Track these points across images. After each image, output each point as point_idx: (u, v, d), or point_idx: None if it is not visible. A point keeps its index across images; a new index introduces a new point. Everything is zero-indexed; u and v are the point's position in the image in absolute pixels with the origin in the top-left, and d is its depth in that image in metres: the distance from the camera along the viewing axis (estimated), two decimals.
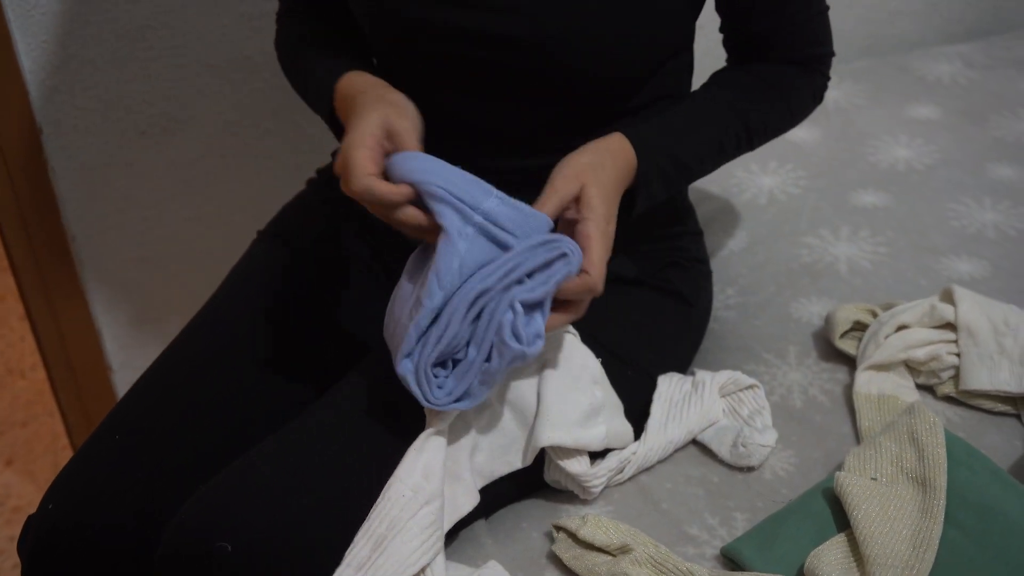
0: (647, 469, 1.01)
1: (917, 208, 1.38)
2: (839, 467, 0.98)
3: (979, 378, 1.05)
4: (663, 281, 1.08)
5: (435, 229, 0.84)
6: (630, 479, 0.99)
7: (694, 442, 1.03)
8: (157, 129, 1.43)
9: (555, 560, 0.91)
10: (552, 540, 0.93)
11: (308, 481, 0.85)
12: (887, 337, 1.08)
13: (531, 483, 0.98)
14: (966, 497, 0.88)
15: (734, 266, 1.30)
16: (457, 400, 0.84)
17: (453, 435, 0.89)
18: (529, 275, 0.83)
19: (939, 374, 1.08)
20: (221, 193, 1.52)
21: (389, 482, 0.86)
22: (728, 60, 1.08)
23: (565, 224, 0.89)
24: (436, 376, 0.84)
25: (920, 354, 1.07)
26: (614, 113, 1.00)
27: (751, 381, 1.06)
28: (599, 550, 0.90)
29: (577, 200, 0.88)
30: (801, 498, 0.93)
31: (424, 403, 0.84)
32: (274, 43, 1.13)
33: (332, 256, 1.11)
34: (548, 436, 0.91)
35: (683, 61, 1.05)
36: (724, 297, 1.25)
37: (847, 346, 1.12)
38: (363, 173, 0.84)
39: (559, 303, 0.86)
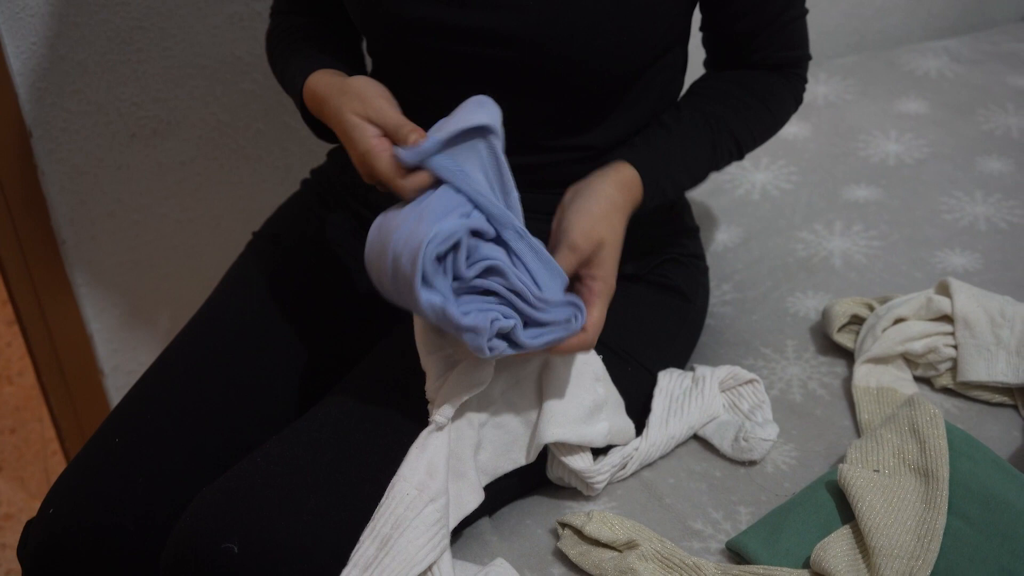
0: (649, 465, 1.01)
1: (909, 202, 1.39)
2: (841, 460, 0.98)
3: (976, 370, 1.06)
4: (661, 277, 1.08)
5: None
6: (633, 475, 1.00)
7: (695, 437, 1.04)
8: (147, 131, 1.42)
9: (561, 556, 0.91)
10: (557, 536, 0.93)
11: (313, 481, 0.85)
12: (885, 330, 1.09)
13: (534, 480, 0.98)
14: (969, 487, 0.89)
15: (730, 262, 1.31)
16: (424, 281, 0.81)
17: (457, 433, 0.89)
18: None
19: (937, 366, 1.09)
20: (212, 195, 1.51)
21: (393, 481, 0.86)
22: (706, 60, 1.09)
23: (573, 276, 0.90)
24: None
25: (918, 347, 1.08)
26: (609, 109, 1.01)
27: (751, 376, 1.06)
28: (605, 546, 0.90)
29: (590, 257, 0.88)
30: (804, 491, 0.93)
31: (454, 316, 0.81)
32: (265, 38, 1.12)
33: (329, 256, 1.10)
34: (552, 433, 0.91)
35: (678, 57, 1.05)
36: (720, 293, 1.26)
37: (845, 340, 1.13)
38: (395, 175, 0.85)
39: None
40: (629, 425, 0.99)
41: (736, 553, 0.90)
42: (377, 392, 0.92)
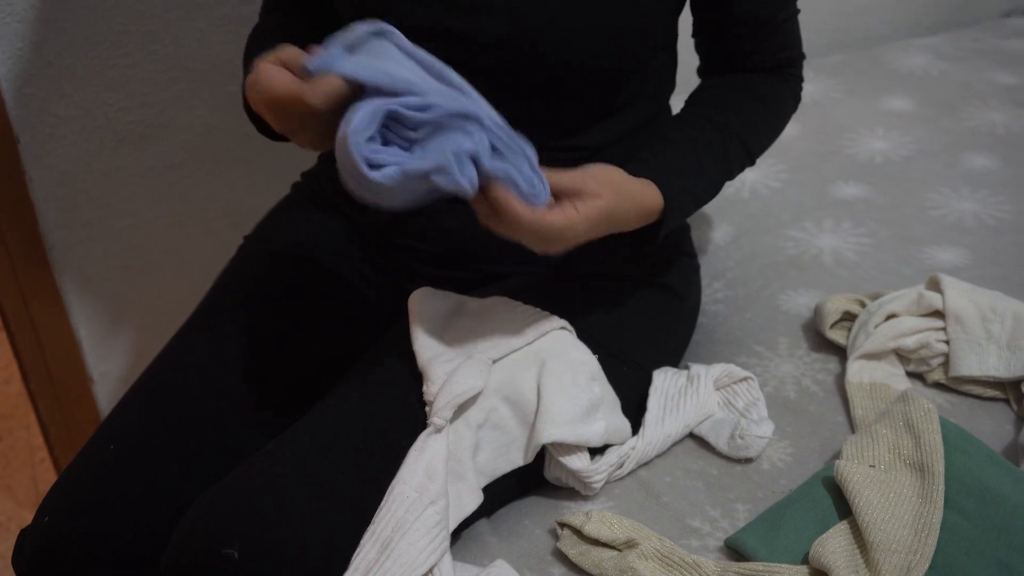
0: (646, 463, 1.01)
1: (897, 199, 1.40)
2: (836, 456, 0.99)
3: (968, 364, 1.07)
4: (654, 276, 1.08)
5: None
6: (630, 474, 1.00)
7: (691, 435, 1.04)
8: (135, 135, 1.42)
9: (561, 556, 0.91)
10: (556, 537, 0.93)
11: (312, 485, 0.85)
12: (877, 326, 1.10)
13: (532, 481, 0.98)
14: (964, 481, 0.89)
15: (721, 260, 1.31)
16: (372, 168, 0.76)
17: (455, 435, 0.89)
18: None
19: (929, 361, 1.09)
20: (201, 199, 1.50)
21: (393, 484, 0.86)
22: (700, 68, 1.09)
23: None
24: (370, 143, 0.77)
25: (910, 342, 1.09)
26: (602, 110, 1.01)
27: (745, 373, 1.07)
28: (605, 545, 0.90)
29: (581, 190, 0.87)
30: (801, 488, 0.94)
31: (352, 151, 0.76)
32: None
33: (321, 259, 1.10)
34: (549, 433, 0.91)
35: (668, 58, 1.06)
36: (712, 291, 1.26)
37: (837, 336, 1.14)
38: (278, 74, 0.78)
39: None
40: (625, 424, 0.99)
41: (735, 550, 0.90)
42: (375, 395, 0.91)
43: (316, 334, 1.06)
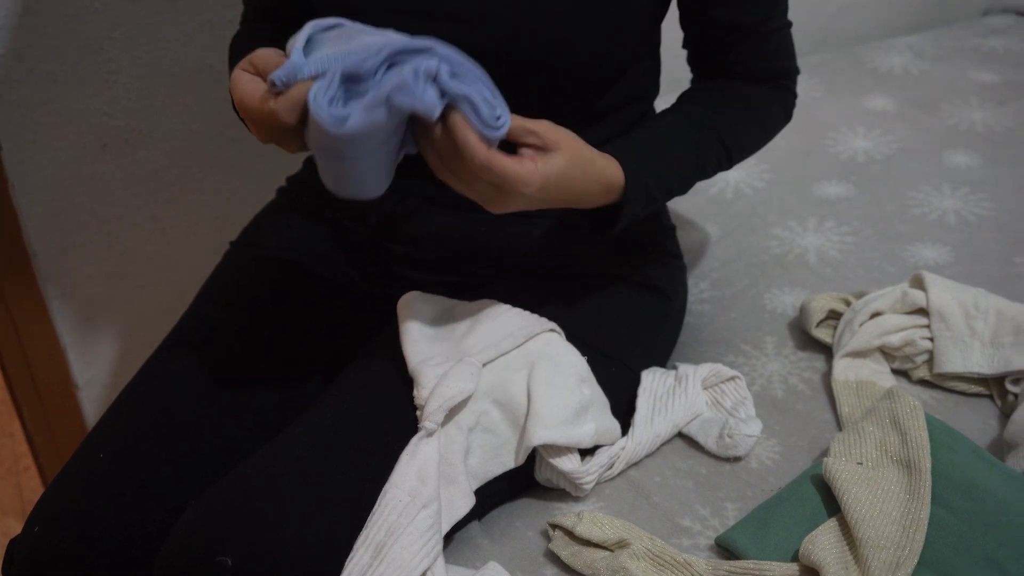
0: (636, 464, 1.02)
1: (879, 197, 1.41)
2: (824, 453, 1.00)
3: (952, 361, 1.08)
4: (642, 277, 1.09)
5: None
6: (620, 474, 1.00)
7: (680, 435, 1.05)
8: (119, 141, 1.41)
9: (553, 558, 0.92)
10: (548, 538, 0.93)
11: (305, 491, 0.85)
12: (862, 324, 1.11)
13: (523, 483, 0.98)
14: (951, 477, 0.90)
15: (706, 260, 1.32)
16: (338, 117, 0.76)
17: (446, 438, 0.90)
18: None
19: (913, 359, 1.10)
20: (187, 204, 1.50)
21: (385, 488, 0.86)
22: (693, 80, 1.10)
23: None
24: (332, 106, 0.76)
25: (894, 340, 1.10)
26: (583, 117, 1.01)
27: (732, 373, 1.08)
28: (596, 546, 0.90)
29: (544, 147, 0.85)
30: (790, 485, 0.95)
31: (318, 114, 0.75)
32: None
33: (308, 264, 1.10)
34: (540, 435, 0.92)
35: (650, 64, 1.06)
36: (698, 291, 1.27)
37: (823, 335, 1.15)
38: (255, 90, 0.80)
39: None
40: (615, 425, 1.00)
41: (725, 549, 0.91)
42: (366, 399, 0.92)
43: (304, 339, 1.06)
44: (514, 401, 0.93)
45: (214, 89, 1.43)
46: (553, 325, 0.97)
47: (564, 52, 0.94)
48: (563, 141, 0.87)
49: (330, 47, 0.79)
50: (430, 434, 0.88)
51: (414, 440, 0.88)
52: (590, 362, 0.98)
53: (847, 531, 0.87)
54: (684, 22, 1.04)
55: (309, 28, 0.80)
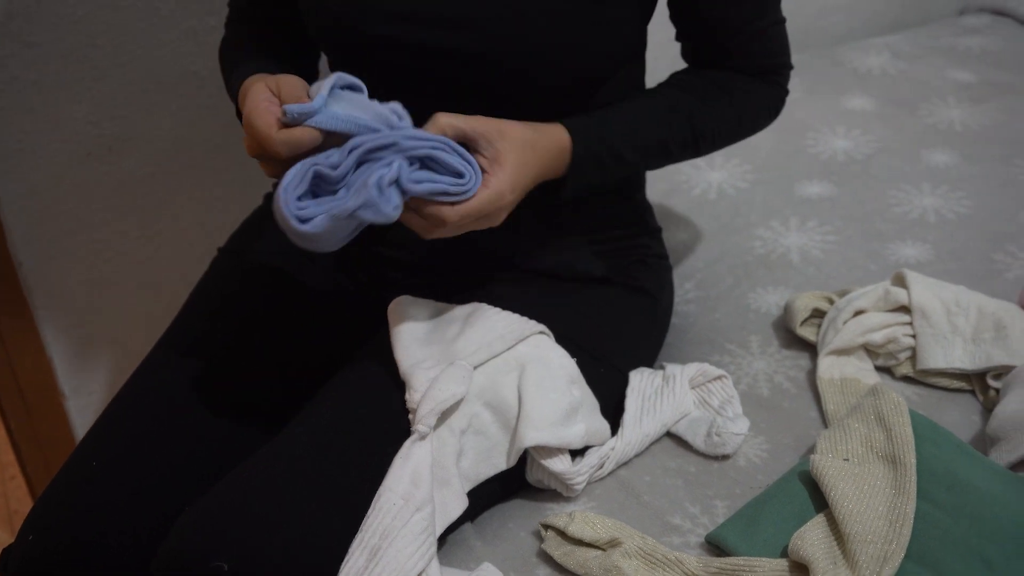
0: (625, 463, 1.03)
1: (860, 196, 1.43)
2: (811, 450, 1.01)
3: (934, 357, 1.10)
4: (629, 278, 1.10)
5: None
6: (610, 474, 1.02)
7: (669, 434, 1.06)
8: (104, 148, 1.41)
9: (545, 558, 0.93)
10: (540, 538, 0.94)
11: (299, 496, 0.85)
12: (845, 322, 1.12)
13: (515, 484, 0.99)
14: (935, 472, 0.92)
15: (690, 261, 1.33)
16: (303, 221, 0.83)
17: (439, 441, 0.90)
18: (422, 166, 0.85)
19: (896, 355, 1.12)
20: (173, 211, 1.50)
21: (379, 492, 0.86)
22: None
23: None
24: (300, 200, 0.83)
25: (878, 337, 1.11)
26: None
27: (719, 372, 1.09)
28: (588, 545, 0.92)
29: (493, 158, 0.89)
30: (778, 482, 0.96)
31: (284, 210, 0.82)
32: (218, 50, 1.12)
33: (296, 270, 1.11)
34: (531, 437, 0.93)
35: (636, 67, 1.07)
36: (683, 292, 1.28)
37: (807, 333, 1.16)
38: (273, 132, 0.84)
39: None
40: (605, 426, 1.01)
41: (715, 546, 0.92)
42: (359, 403, 0.92)
43: (294, 345, 1.06)
44: (505, 403, 0.94)
45: (199, 96, 1.43)
46: (543, 327, 0.98)
47: (549, 58, 0.95)
48: (504, 131, 0.90)
49: (343, 106, 0.85)
50: (423, 437, 0.89)
51: (407, 443, 0.89)
52: (579, 363, 0.99)
53: (835, 526, 0.89)
54: (675, 18, 1.05)
55: (334, 79, 0.86)
